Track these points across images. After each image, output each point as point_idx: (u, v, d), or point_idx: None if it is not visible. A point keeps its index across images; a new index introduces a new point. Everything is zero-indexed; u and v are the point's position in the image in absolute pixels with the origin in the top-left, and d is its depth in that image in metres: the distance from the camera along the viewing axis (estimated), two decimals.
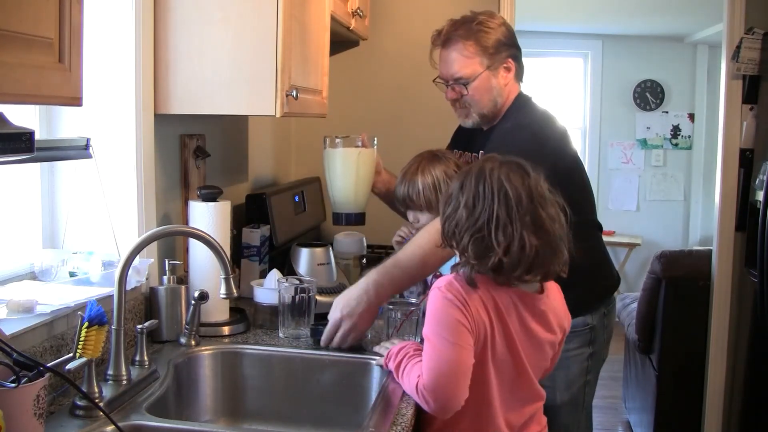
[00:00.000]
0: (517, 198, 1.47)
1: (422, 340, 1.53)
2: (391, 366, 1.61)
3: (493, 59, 2.03)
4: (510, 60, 2.06)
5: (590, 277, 2.16)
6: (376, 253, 2.60)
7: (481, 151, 2.10)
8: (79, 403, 1.36)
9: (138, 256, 1.55)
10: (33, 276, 1.71)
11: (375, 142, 2.22)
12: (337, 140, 2.18)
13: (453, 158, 2.06)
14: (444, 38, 2.07)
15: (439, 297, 1.49)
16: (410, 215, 2.09)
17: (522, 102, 2.11)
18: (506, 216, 1.46)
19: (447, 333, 1.46)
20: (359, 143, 2.18)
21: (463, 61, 2.03)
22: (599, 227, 2.23)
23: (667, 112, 6.36)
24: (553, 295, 1.62)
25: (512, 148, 1.89)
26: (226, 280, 1.59)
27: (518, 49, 2.10)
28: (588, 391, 2.17)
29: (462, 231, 1.50)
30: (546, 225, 1.47)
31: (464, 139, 2.26)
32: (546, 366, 1.64)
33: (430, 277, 2.01)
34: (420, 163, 2.03)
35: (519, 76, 2.11)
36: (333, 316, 1.82)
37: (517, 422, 1.60)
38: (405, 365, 1.56)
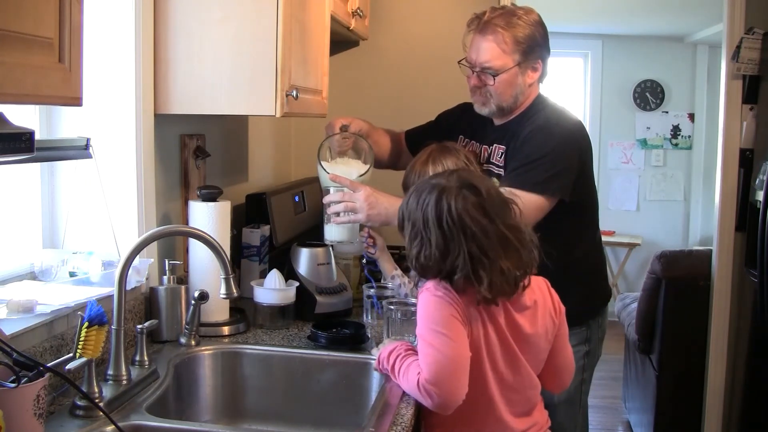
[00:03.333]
0: (483, 229, 1.48)
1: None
2: (386, 368, 1.62)
3: (525, 57, 2.01)
4: (539, 61, 2.05)
5: (590, 283, 2.18)
6: None
7: (495, 145, 2.09)
8: (79, 403, 1.36)
9: (138, 256, 1.55)
10: (33, 276, 1.71)
11: (369, 152, 2.16)
12: (332, 161, 2.12)
13: (462, 150, 2.05)
14: (483, 25, 2.02)
15: (429, 296, 1.52)
16: None
17: (545, 101, 2.11)
18: (479, 251, 1.48)
19: (441, 327, 1.48)
20: (357, 143, 2.16)
21: (496, 51, 1.99)
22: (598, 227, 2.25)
23: (667, 112, 6.36)
24: (539, 287, 1.63)
25: (547, 147, 1.95)
26: (226, 280, 1.59)
27: (548, 51, 2.08)
28: (584, 389, 2.18)
29: (438, 269, 1.52)
30: (513, 240, 1.50)
31: (459, 127, 2.23)
32: (542, 357, 1.65)
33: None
34: (430, 154, 2.03)
35: (542, 77, 2.10)
36: (355, 194, 1.94)
37: (522, 415, 1.61)
38: (400, 366, 1.57)
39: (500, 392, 1.56)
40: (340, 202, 1.97)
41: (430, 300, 1.52)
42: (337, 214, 1.99)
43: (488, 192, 1.53)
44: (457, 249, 1.49)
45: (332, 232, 2.06)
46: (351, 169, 2.08)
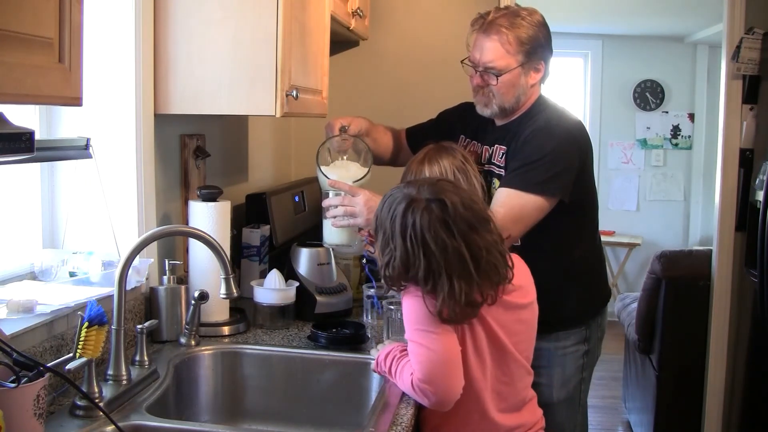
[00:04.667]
0: (442, 245, 1.49)
1: None
2: (384, 371, 1.62)
3: (528, 57, 2.01)
4: (542, 62, 2.05)
5: (590, 284, 2.18)
6: None
7: (497, 145, 2.08)
8: (79, 403, 1.36)
9: (138, 256, 1.55)
10: (33, 276, 1.71)
11: (368, 154, 2.14)
12: (331, 163, 2.11)
13: (460, 150, 2.04)
14: (487, 25, 2.01)
15: (411, 297, 1.54)
16: None
17: (546, 102, 2.10)
18: (438, 265, 1.49)
19: (427, 326, 1.49)
20: (354, 145, 2.15)
21: (500, 52, 1.99)
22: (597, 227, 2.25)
23: (667, 112, 6.36)
24: (518, 268, 1.63)
25: (547, 148, 1.94)
26: (226, 280, 1.59)
27: (551, 52, 2.08)
28: (584, 388, 2.18)
29: (402, 281, 1.54)
30: (470, 262, 1.49)
31: (460, 126, 2.22)
32: (533, 336, 1.67)
33: None
34: (427, 153, 2.02)
35: (544, 78, 2.09)
36: (354, 198, 1.93)
37: (511, 411, 1.62)
38: (395, 368, 1.58)
39: (487, 386, 1.57)
40: (339, 206, 1.97)
41: (412, 302, 1.53)
42: (337, 217, 1.99)
43: (455, 207, 1.51)
44: (417, 263, 1.50)
45: (331, 235, 2.06)
46: (350, 172, 2.08)
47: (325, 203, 2.02)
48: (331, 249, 2.23)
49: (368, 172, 2.09)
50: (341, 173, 2.06)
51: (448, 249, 1.48)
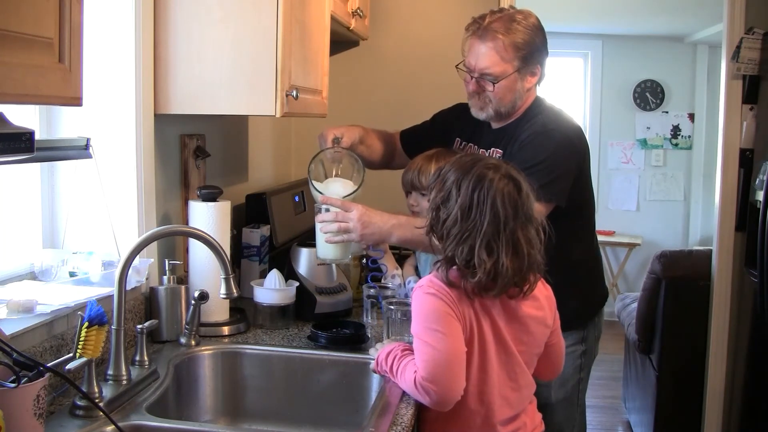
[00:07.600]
0: (506, 218, 1.50)
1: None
2: (385, 370, 1.62)
3: (524, 62, 1.99)
4: (538, 66, 2.03)
5: (588, 285, 2.18)
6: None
7: (493, 148, 2.08)
8: (79, 403, 1.36)
9: (138, 256, 1.55)
10: (33, 276, 1.71)
11: (361, 168, 2.09)
12: (325, 179, 2.07)
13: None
14: (482, 30, 1.99)
15: (422, 294, 1.53)
16: (411, 198, 2.09)
17: (542, 104, 2.10)
18: (493, 234, 1.50)
19: (435, 324, 1.49)
20: (345, 161, 2.11)
21: (495, 58, 1.97)
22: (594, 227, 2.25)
23: (667, 112, 6.36)
24: (537, 288, 1.63)
25: (545, 153, 1.93)
26: (226, 280, 1.59)
27: (547, 53, 2.06)
28: (582, 388, 2.18)
29: (450, 229, 1.53)
30: (522, 249, 1.51)
31: (456, 128, 2.21)
32: (537, 351, 1.66)
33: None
34: (437, 152, 2.02)
35: (540, 81, 2.08)
36: (348, 214, 1.91)
37: (509, 420, 1.61)
38: (397, 366, 1.57)
39: (493, 390, 1.56)
40: (333, 221, 1.94)
41: (423, 298, 1.53)
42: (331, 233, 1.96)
43: (527, 195, 1.54)
44: (475, 219, 1.50)
45: (326, 250, 2.02)
46: (343, 187, 2.04)
47: (319, 219, 1.98)
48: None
49: (361, 185, 2.04)
50: (334, 188, 2.03)
51: (508, 227, 1.50)
